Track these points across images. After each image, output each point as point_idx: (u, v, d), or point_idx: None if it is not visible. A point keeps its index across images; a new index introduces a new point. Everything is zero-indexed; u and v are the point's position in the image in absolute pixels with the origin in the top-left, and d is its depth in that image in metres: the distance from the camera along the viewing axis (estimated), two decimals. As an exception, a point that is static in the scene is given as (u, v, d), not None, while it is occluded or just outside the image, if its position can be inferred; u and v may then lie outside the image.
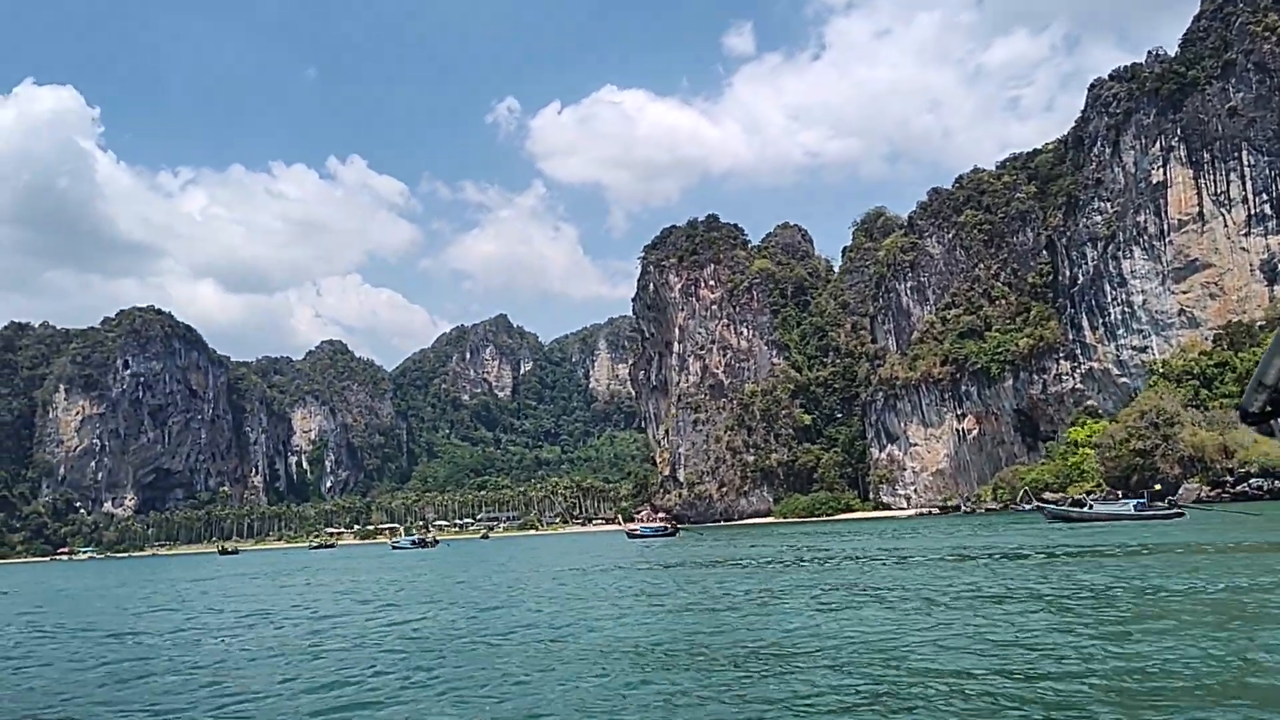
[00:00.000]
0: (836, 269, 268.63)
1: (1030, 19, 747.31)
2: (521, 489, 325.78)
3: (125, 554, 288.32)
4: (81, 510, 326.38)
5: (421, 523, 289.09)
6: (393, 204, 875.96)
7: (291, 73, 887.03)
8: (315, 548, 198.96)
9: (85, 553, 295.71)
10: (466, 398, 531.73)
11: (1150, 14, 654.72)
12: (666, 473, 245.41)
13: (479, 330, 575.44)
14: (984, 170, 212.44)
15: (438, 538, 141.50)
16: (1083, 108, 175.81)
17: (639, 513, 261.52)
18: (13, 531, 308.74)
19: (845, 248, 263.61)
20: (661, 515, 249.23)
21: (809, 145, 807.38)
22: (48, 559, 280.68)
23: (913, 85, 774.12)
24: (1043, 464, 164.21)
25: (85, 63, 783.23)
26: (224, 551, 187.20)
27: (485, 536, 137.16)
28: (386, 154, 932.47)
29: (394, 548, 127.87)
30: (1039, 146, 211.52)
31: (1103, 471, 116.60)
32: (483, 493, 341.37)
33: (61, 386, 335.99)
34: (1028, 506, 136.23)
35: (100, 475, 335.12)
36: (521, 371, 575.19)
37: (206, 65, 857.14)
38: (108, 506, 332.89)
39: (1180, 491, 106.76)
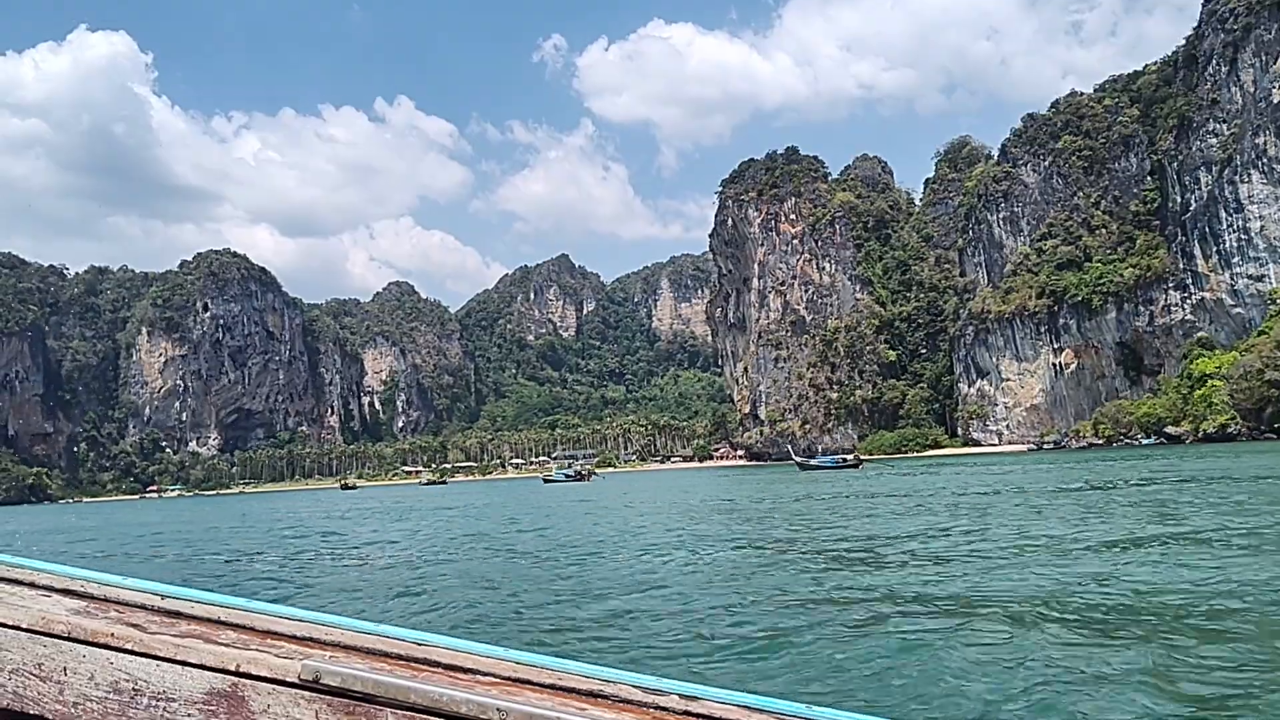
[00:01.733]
0: (918, 201, 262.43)
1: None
2: (596, 427, 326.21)
3: (213, 492, 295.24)
4: (167, 449, 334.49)
5: (571, 457, 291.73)
6: (442, 145, 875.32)
7: (336, 13, 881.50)
8: (427, 484, 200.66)
9: (174, 490, 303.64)
10: (531, 338, 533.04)
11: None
12: (746, 410, 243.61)
13: (542, 270, 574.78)
14: (1082, 94, 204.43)
15: (593, 470, 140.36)
16: (1196, 23, 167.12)
17: (718, 450, 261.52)
18: (103, 470, 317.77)
19: (928, 179, 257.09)
20: (739, 453, 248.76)
21: (863, 78, 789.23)
22: (137, 497, 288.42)
23: (969, 11, 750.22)
24: (1149, 398, 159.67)
25: (136, 8, 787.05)
26: (345, 487, 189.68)
27: (589, 474, 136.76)
28: (434, 95, 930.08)
29: (546, 481, 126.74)
30: (1140, 68, 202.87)
31: (1232, 404, 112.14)
32: (554, 431, 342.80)
33: (144, 329, 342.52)
34: (1146, 441, 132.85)
35: (184, 415, 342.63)
36: (585, 311, 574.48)
37: (253, 8, 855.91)
38: (192, 446, 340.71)
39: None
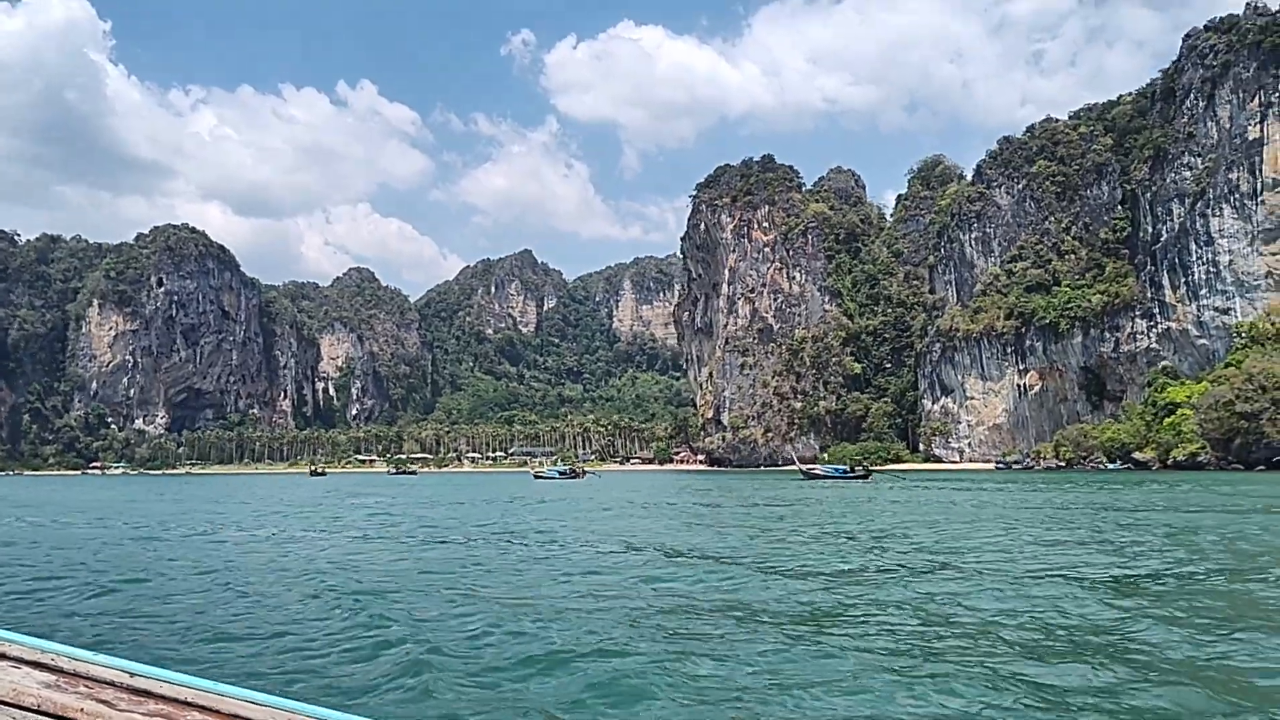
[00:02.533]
0: (888, 216, 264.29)
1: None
2: (554, 425, 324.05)
3: (158, 471, 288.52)
4: (113, 426, 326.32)
5: (529, 454, 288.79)
6: (404, 133, 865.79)
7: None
8: (396, 473, 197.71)
9: (118, 468, 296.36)
10: (491, 332, 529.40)
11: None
12: (709, 415, 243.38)
13: (505, 265, 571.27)
14: (1058, 120, 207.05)
15: (586, 469, 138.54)
16: (1176, 57, 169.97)
17: (678, 454, 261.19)
18: (45, 444, 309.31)
19: (900, 195, 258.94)
20: (700, 458, 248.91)
21: (828, 91, 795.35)
22: (79, 472, 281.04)
23: (935, 34, 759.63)
24: (1110, 423, 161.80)
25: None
26: (315, 473, 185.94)
27: (582, 472, 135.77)
28: (398, 81, 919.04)
29: (536, 477, 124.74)
30: (1114, 98, 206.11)
31: (1201, 433, 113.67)
32: (512, 427, 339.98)
33: (95, 301, 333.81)
34: (1112, 466, 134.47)
35: (132, 391, 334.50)
36: (545, 308, 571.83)
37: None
38: (139, 423, 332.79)
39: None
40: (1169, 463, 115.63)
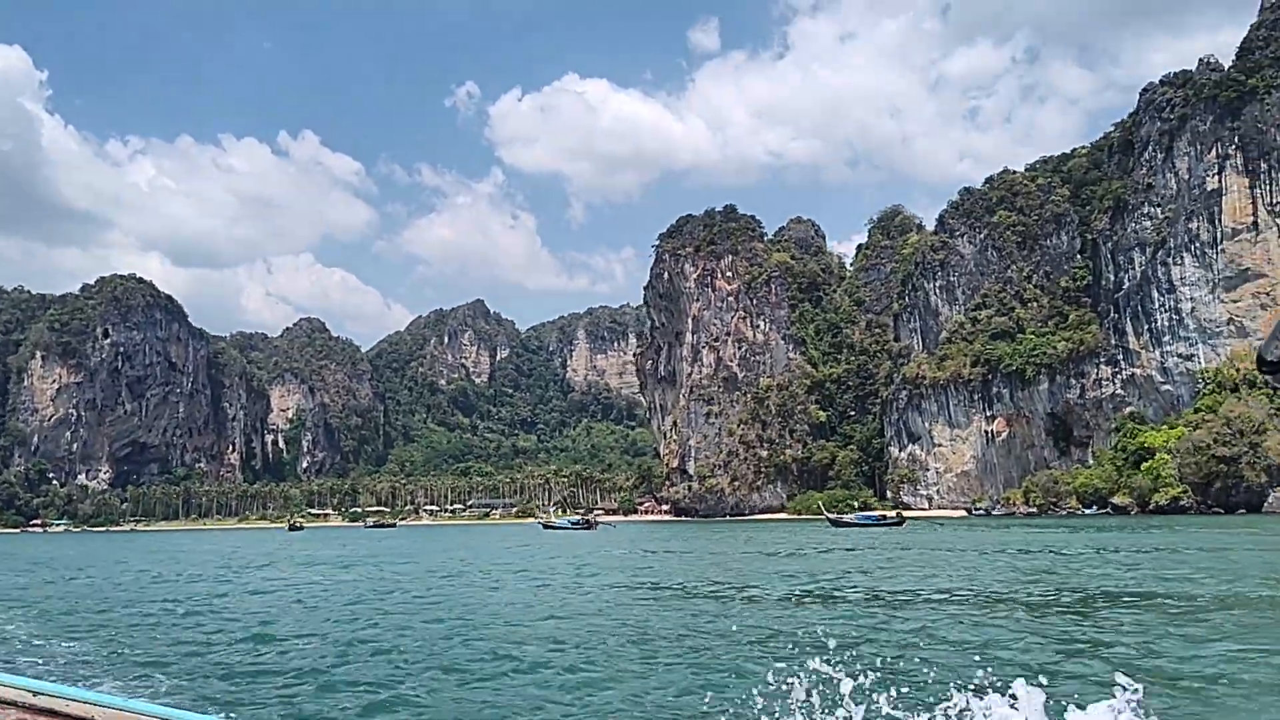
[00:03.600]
0: (848, 265, 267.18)
1: (993, 30, 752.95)
2: (515, 476, 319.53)
3: (102, 528, 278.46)
4: (54, 481, 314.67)
5: (488, 506, 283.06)
6: (347, 183, 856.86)
7: (244, 43, 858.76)
8: (371, 526, 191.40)
9: (60, 525, 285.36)
10: (444, 383, 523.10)
11: (1114, 33, 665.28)
12: (674, 464, 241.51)
13: (457, 314, 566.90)
14: (1015, 171, 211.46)
15: (599, 520, 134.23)
16: (1133, 110, 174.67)
17: (642, 504, 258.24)
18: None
19: (860, 245, 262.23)
20: (665, 508, 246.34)
21: (771, 145, 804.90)
22: (19, 530, 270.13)
23: (874, 90, 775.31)
24: (1079, 468, 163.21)
25: (34, 25, 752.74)
26: (293, 528, 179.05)
27: (594, 523, 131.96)
28: (341, 132, 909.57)
29: (546, 528, 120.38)
30: (1069, 150, 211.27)
31: (1179, 478, 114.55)
32: (470, 479, 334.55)
33: (38, 353, 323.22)
34: (1089, 511, 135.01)
35: (75, 446, 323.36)
36: (499, 358, 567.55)
37: (158, 31, 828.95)
38: (81, 479, 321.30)
39: (1270, 499, 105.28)
40: (1150, 507, 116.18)
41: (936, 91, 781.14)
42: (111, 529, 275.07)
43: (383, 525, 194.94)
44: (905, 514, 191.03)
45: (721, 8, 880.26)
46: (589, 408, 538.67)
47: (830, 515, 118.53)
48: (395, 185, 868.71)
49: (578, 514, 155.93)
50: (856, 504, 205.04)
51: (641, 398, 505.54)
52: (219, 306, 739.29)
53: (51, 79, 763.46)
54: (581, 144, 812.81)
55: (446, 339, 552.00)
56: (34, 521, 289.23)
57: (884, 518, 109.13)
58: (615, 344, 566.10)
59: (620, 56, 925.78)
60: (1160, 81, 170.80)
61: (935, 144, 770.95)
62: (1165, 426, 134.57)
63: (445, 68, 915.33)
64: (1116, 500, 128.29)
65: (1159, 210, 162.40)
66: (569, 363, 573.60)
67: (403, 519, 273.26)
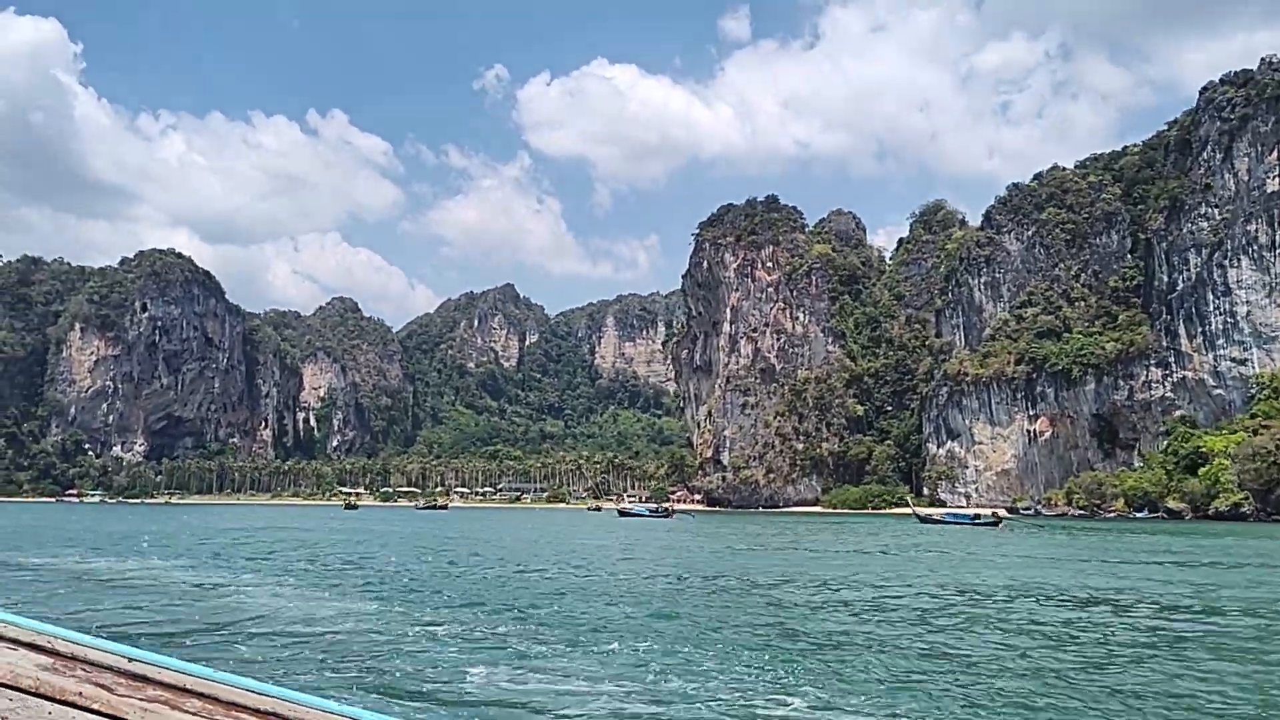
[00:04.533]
0: (888, 259, 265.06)
1: (1027, 24, 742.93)
2: (545, 460, 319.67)
3: (136, 499, 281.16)
4: (90, 452, 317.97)
5: (518, 490, 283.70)
6: (375, 163, 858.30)
7: (275, 20, 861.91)
8: (424, 508, 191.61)
9: (95, 495, 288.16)
10: (473, 365, 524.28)
11: (1147, 31, 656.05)
12: (708, 454, 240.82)
13: (487, 298, 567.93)
14: (1065, 169, 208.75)
15: (673, 509, 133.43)
16: (1193, 109, 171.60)
17: (674, 492, 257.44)
18: (20, 470, 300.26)
19: (902, 239, 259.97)
20: (697, 497, 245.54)
21: (799, 136, 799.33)
22: (54, 499, 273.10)
23: (904, 83, 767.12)
24: (1123, 471, 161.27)
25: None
26: (349, 507, 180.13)
27: (670, 511, 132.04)
28: (369, 112, 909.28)
29: (622, 514, 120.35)
30: (1121, 147, 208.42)
31: (1238, 484, 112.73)
32: (500, 462, 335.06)
33: (77, 325, 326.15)
34: (1139, 515, 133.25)
35: (111, 418, 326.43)
36: (527, 343, 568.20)
37: (191, 7, 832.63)
38: (116, 450, 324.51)
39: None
40: (1209, 513, 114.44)
41: (967, 86, 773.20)
42: (146, 501, 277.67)
43: (434, 507, 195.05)
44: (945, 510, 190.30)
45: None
46: (616, 395, 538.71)
47: (919, 512, 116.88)
48: (422, 166, 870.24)
49: (631, 500, 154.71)
50: (893, 499, 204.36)
51: (672, 386, 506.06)
52: (246, 283, 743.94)
53: (86, 52, 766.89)
54: (609, 129, 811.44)
55: (476, 322, 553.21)
56: (70, 491, 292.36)
57: (978, 516, 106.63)
58: (644, 332, 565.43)
59: (650, 43, 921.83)
60: (1220, 80, 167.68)
61: (965, 139, 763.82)
62: (1224, 431, 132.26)
63: (474, 50, 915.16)
64: (1171, 505, 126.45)
65: (1217, 211, 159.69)
66: (597, 349, 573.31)
67: (443, 501, 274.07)
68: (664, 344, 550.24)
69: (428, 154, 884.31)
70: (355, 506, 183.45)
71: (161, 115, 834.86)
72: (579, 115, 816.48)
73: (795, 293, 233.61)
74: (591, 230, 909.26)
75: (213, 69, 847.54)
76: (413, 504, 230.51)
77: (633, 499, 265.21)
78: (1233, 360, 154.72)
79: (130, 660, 1.95)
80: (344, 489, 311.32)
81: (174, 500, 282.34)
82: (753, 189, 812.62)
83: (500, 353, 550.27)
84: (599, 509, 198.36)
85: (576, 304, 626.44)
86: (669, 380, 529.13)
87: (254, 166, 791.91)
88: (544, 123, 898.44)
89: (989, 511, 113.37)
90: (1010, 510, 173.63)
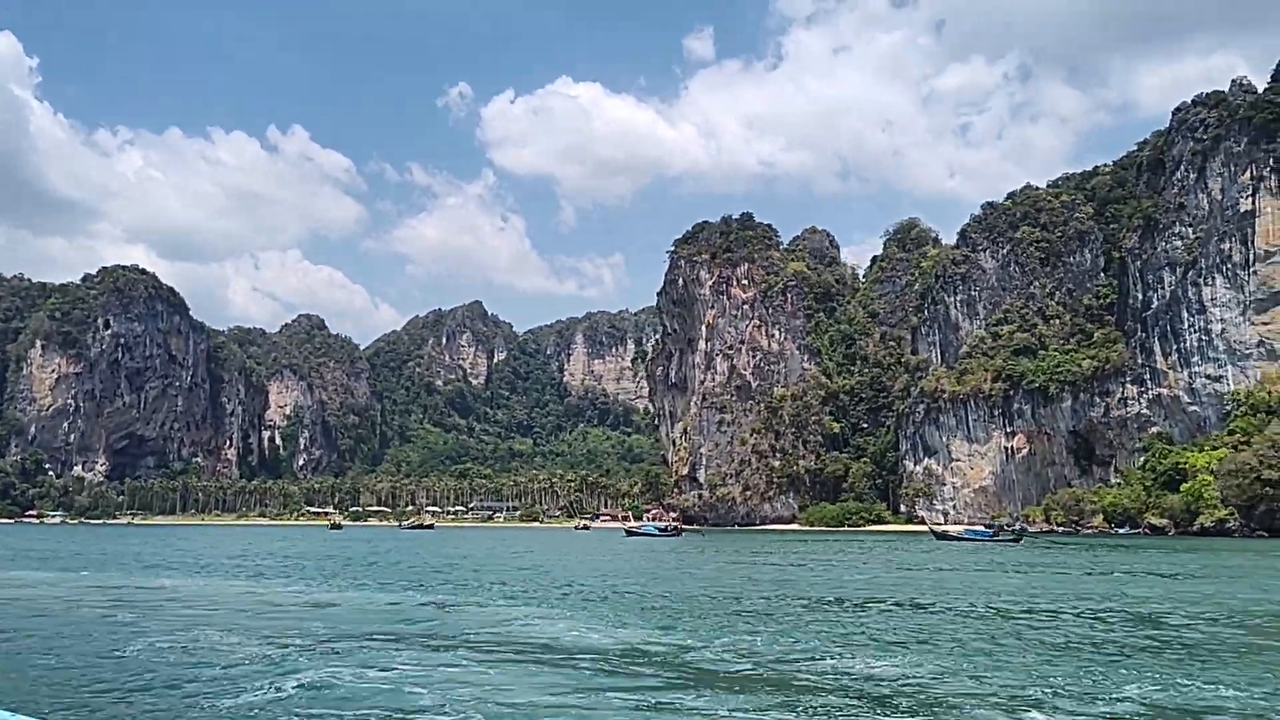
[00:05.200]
0: (861, 277, 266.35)
1: (987, 48, 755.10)
2: (518, 479, 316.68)
3: (98, 520, 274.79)
4: (50, 472, 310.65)
5: (490, 509, 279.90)
6: (337, 179, 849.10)
7: (234, 36, 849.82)
8: (409, 527, 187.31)
9: (56, 516, 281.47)
10: (440, 383, 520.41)
11: (1105, 55, 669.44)
12: (684, 472, 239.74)
13: (456, 315, 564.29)
14: (1038, 188, 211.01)
15: (681, 526, 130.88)
16: (1166, 129, 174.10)
17: (649, 510, 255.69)
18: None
19: (875, 257, 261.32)
20: (673, 515, 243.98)
21: (763, 155, 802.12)
22: (13, 520, 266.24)
23: (867, 104, 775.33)
24: (1100, 488, 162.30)
25: (26, 10, 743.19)
26: (334, 527, 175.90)
27: (679, 530, 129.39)
28: (331, 128, 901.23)
29: (629, 534, 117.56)
30: (1092, 167, 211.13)
31: (1221, 500, 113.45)
32: (470, 481, 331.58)
33: (38, 342, 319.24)
34: (1121, 531, 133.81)
35: (72, 437, 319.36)
36: (495, 360, 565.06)
37: (149, 21, 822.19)
38: (77, 470, 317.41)
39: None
40: (1194, 529, 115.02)
41: (928, 107, 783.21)
42: (108, 522, 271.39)
43: (420, 526, 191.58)
44: (922, 528, 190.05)
45: (717, 16, 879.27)
46: (585, 413, 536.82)
47: (935, 529, 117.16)
48: (385, 183, 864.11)
49: (594, 517, 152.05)
50: (870, 516, 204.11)
51: (642, 404, 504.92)
52: (205, 301, 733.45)
53: (42, 66, 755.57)
54: (573, 148, 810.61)
55: (444, 339, 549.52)
56: (29, 512, 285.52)
57: (998, 532, 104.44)
58: (613, 349, 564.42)
59: (615, 62, 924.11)
60: (1193, 101, 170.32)
61: (926, 158, 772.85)
62: (1207, 448, 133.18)
63: (438, 67, 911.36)
64: (1153, 521, 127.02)
65: (1190, 230, 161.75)
66: (566, 367, 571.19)
67: (401, 520, 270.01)
68: (633, 361, 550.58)
69: (391, 171, 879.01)
70: (339, 526, 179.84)
71: (119, 130, 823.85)
72: (543, 133, 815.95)
73: (771, 310, 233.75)
74: (557, 248, 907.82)
75: (171, 84, 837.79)
76: (396, 524, 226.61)
77: (607, 517, 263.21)
78: (1207, 377, 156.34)
79: None
80: (312, 509, 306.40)
81: (137, 521, 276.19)
82: (717, 207, 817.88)
83: (469, 370, 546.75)
84: (587, 528, 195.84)
85: (544, 321, 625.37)
86: (638, 398, 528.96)
87: (213, 183, 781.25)
88: (508, 140, 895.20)
89: (1008, 527, 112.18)
90: (987, 527, 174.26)
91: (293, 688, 16.84)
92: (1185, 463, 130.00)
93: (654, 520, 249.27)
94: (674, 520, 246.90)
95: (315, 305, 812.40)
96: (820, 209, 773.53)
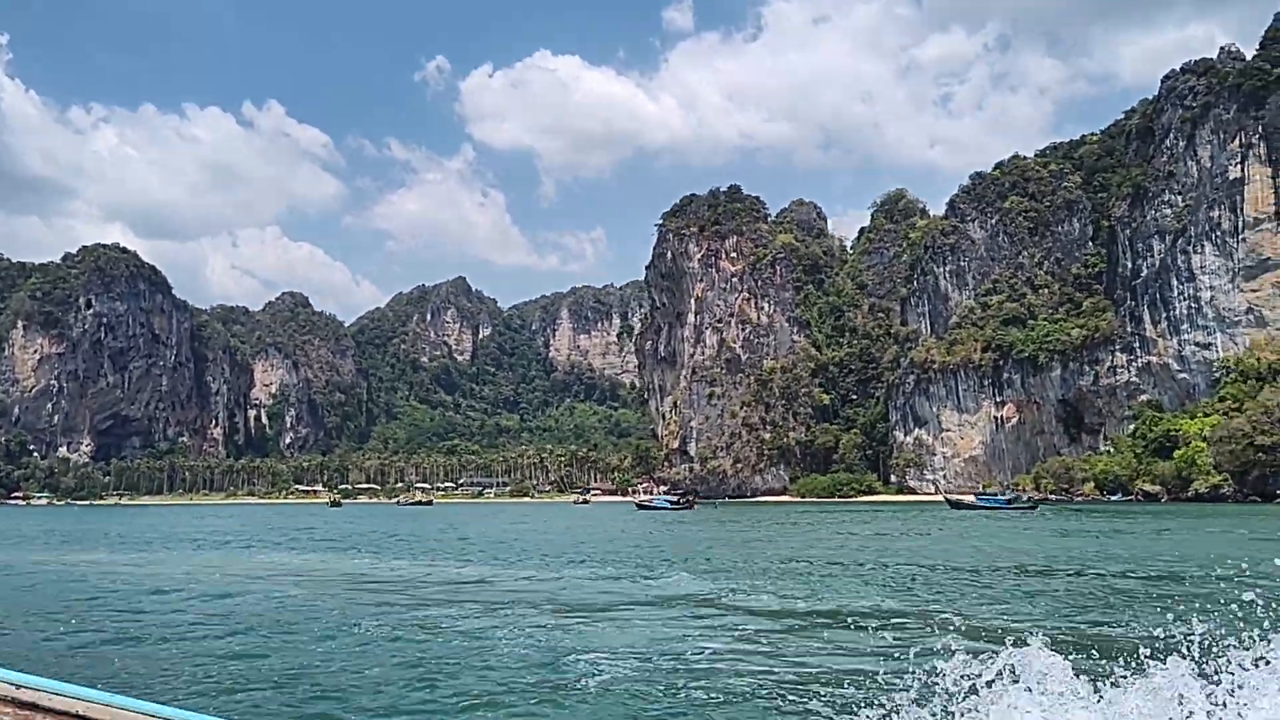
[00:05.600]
0: (849, 249, 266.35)
1: (966, 17, 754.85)
2: (507, 455, 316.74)
3: (85, 501, 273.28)
4: (35, 453, 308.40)
5: (480, 484, 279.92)
6: (315, 155, 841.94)
7: (206, 9, 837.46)
8: (409, 504, 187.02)
9: (42, 498, 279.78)
10: (426, 360, 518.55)
11: (1084, 25, 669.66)
12: (674, 445, 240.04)
13: (440, 291, 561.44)
14: (1026, 158, 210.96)
15: (693, 499, 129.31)
16: (1155, 97, 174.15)
17: (640, 484, 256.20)
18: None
19: (863, 229, 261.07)
20: (668, 488, 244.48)
21: (744, 127, 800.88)
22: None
23: (847, 74, 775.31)
24: (1090, 455, 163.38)
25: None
26: (334, 504, 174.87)
27: (692, 502, 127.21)
28: (307, 103, 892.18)
29: (640, 507, 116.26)
30: (1079, 136, 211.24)
31: (1214, 466, 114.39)
32: (460, 457, 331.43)
33: (20, 322, 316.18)
34: (1114, 499, 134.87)
35: (56, 418, 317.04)
36: (481, 336, 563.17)
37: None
38: (62, 451, 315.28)
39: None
40: (1187, 495, 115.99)
41: (908, 77, 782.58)
42: (95, 503, 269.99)
43: (419, 503, 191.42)
44: (914, 498, 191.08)
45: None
46: (572, 388, 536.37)
47: (950, 498, 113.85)
48: (364, 159, 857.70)
49: (681, 495, 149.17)
50: (861, 487, 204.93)
51: (629, 379, 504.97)
52: (184, 279, 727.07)
53: (11, 43, 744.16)
54: (553, 121, 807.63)
55: (429, 316, 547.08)
56: (15, 494, 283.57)
57: (1014, 500, 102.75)
58: (599, 324, 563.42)
59: (593, 34, 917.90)
60: (1181, 69, 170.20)
61: (907, 129, 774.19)
62: (1199, 415, 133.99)
63: (414, 40, 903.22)
64: (1147, 488, 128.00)
65: (1180, 198, 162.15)
66: (552, 342, 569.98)
67: (392, 497, 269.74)
68: (619, 336, 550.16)
69: (369, 147, 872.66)
70: (340, 504, 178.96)
71: (93, 108, 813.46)
72: (522, 107, 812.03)
73: (760, 283, 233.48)
74: (537, 223, 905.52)
75: (142, 59, 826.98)
76: (390, 501, 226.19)
77: (598, 491, 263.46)
78: (1197, 345, 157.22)
79: (18, 687, 1.87)
80: (301, 487, 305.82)
81: (124, 501, 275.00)
82: (699, 179, 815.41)
83: (454, 347, 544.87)
84: (586, 502, 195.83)
85: (527, 297, 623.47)
86: (624, 372, 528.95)
87: (189, 160, 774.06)
88: (487, 115, 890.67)
89: (1026, 496, 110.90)
90: (978, 495, 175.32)
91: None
92: (1177, 430, 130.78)
93: (649, 495, 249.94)
94: (682, 493, 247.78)
95: (295, 282, 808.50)
96: (805, 181, 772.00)
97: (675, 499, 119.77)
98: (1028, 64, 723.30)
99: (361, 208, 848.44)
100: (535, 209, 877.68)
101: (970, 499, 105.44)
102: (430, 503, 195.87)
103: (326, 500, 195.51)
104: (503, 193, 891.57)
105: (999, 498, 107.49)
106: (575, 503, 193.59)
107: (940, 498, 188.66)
